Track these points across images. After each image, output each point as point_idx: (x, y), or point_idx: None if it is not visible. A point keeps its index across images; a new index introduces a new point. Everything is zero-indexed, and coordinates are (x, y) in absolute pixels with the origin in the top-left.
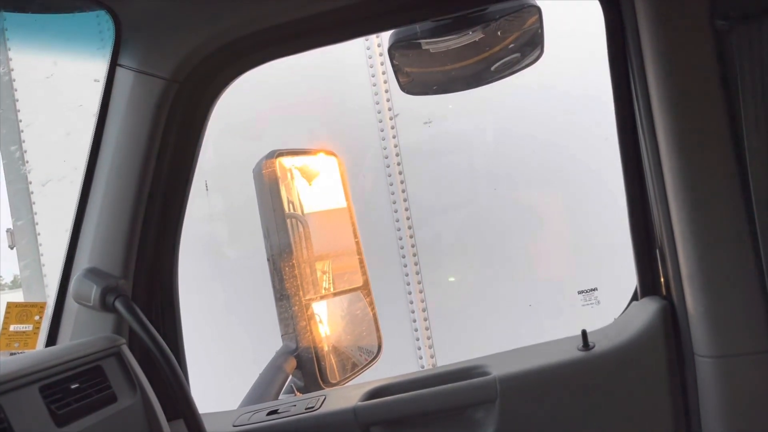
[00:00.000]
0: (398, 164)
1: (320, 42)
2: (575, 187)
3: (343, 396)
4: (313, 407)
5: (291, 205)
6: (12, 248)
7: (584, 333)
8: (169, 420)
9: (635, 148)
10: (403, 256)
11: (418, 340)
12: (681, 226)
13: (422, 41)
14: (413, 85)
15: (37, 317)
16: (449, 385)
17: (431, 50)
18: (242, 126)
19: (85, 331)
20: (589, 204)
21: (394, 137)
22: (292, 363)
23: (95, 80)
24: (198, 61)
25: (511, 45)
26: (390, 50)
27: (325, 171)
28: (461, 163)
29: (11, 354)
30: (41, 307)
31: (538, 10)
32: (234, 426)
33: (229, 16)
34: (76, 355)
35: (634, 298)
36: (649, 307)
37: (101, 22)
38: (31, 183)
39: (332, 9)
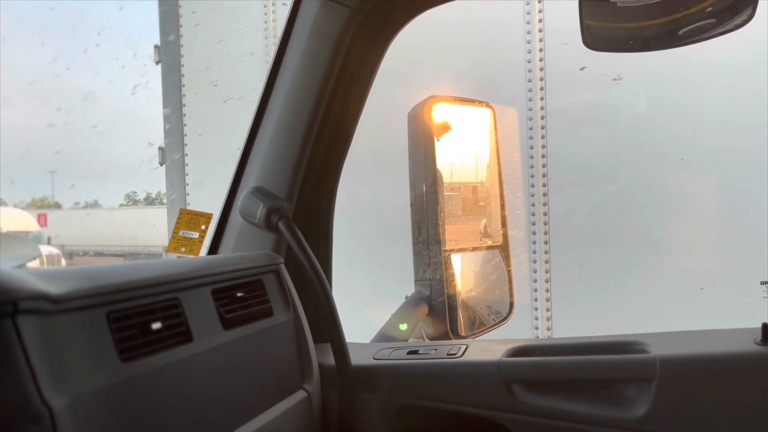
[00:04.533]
0: (542, 128)
1: None
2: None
3: (486, 349)
4: (454, 354)
5: (443, 153)
6: (162, 165)
7: (765, 326)
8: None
9: None
10: (533, 223)
11: (536, 310)
12: None
13: None
14: (594, 39)
15: (203, 227)
16: (602, 356)
17: (618, 3)
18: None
19: (245, 246)
20: None
21: (542, 99)
22: (424, 309)
23: (283, 3)
24: None
25: (710, 8)
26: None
27: (480, 122)
28: (622, 132)
29: (178, 257)
30: (208, 217)
31: None
32: (374, 359)
33: None
34: (242, 266)
35: None
36: None
37: None
38: (184, 106)
39: None
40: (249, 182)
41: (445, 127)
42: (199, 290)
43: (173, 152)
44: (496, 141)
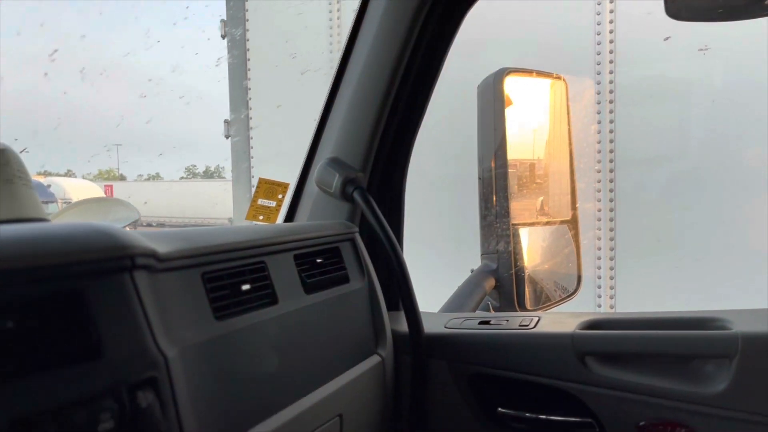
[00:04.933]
0: (611, 102)
1: None
2: None
3: (559, 321)
4: (527, 325)
5: (513, 126)
6: (227, 138)
7: None
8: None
9: None
10: (599, 200)
11: (599, 288)
12: None
13: None
14: (679, 8)
15: (280, 196)
16: (682, 331)
17: None
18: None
19: (320, 215)
20: None
21: (611, 72)
22: (491, 282)
23: None
24: None
25: None
26: None
27: (552, 95)
28: (693, 110)
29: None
30: (285, 187)
31: None
32: (446, 327)
33: None
34: (320, 234)
35: None
36: None
37: None
38: (249, 80)
39: None
40: (324, 153)
41: (516, 100)
42: (282, 255)
43: (238, 125)
44: (568, 115)
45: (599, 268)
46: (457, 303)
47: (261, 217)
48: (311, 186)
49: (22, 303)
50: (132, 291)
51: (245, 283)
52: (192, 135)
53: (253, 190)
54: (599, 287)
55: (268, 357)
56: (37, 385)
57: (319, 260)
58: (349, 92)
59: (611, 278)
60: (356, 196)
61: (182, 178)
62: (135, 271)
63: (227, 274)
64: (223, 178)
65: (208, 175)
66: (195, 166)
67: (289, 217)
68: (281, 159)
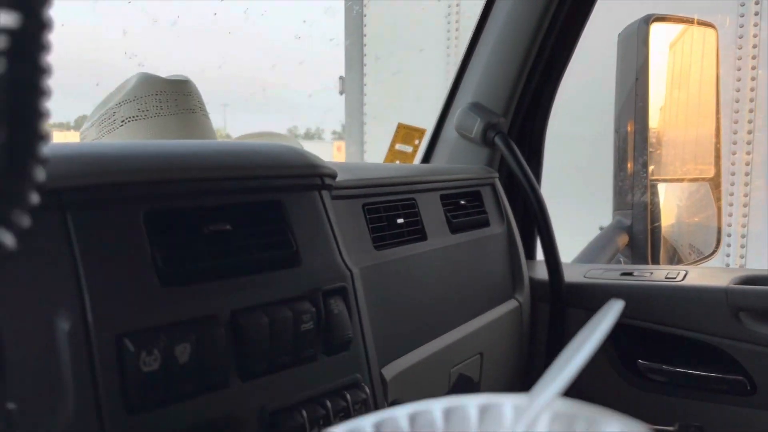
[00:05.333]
0: (753, 57)
1: None
2: None
3: (710, 275)
4: (674, 278)
5: (656, 77)
6: (341, 94)
7: None
8: None
9: None
10: (733, 163)
11: (728, 256)
12: None
13: None
14: None
15: (417, 141)
16: None
17: None
18: None
19: (459, 160)
20: None
21: (755, 25)
22: (624, 238)
23: None
24: None
25: None
26: None
27: (700, 44)
28: None
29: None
30: (422, 132)
31: None
32: (585, 277)
33: None
34: (463, 176)
35: None
36: None
37: None
38: (365, 36)
39: None
40: (465, 98)
41: (661, 49)
42: (429, 194)
43: (353, 81)
44: (717, 66)
45: (729, 235)
46: (589, 257)
47: (398, 162)
48: (449, 131)
49: (235, 209)
50: (322, 208)
51: (399, 217)
52: (299, 96)
53: (365, 146)
54: (728, 256)
55: (418, 289)
56: (251, 283)
57: (462, 202)
58: (492, 38)
59: (742, 246)
60: (498, 141)
61: None
62: (322, 190)
63: (383, 207)
64: (322, 140)
65: (309, 136)
66: (296, 127)
67: (425, 161)
68: (395, 115)
